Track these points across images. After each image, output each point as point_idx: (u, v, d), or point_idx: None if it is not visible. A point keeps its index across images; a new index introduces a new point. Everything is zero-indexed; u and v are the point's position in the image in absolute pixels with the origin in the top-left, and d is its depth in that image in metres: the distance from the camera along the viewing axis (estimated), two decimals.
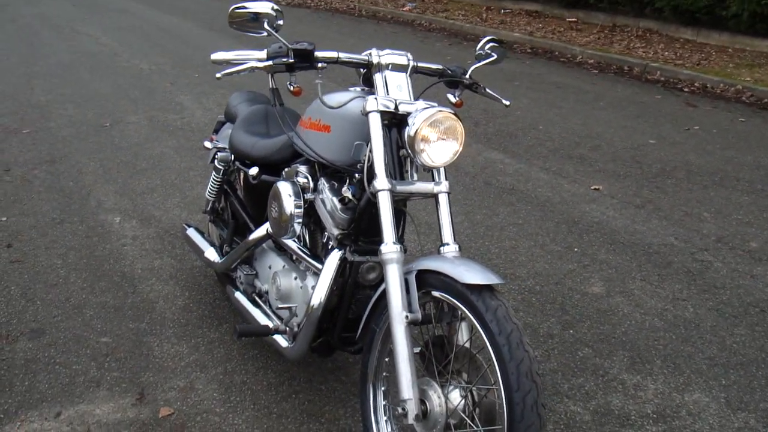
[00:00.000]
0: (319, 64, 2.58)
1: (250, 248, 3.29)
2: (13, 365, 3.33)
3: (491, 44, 2.97)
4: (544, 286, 4.10)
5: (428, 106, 2.49)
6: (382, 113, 2.48)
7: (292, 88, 2.54)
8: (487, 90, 2.91)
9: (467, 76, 2.88)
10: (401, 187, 2.49)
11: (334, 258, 2.70)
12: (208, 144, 3.85)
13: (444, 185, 2.58)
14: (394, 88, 2.59)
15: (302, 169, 2.93)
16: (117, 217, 4.98)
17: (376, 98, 2.48)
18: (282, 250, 3.18)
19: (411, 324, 2.32)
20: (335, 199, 2.69)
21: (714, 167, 6.21)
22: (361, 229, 2.66)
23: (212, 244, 3.72)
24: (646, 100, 8.60)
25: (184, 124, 7.21)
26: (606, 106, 8.23)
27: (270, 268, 3.17)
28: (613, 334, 3.67)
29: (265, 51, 2.55)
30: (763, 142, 7.04)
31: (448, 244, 2.52)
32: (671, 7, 11.57)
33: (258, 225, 3.37)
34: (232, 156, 3.52)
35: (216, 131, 3.97)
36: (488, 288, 2.24)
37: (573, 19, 13.64)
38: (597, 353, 3.51)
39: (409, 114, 2.48)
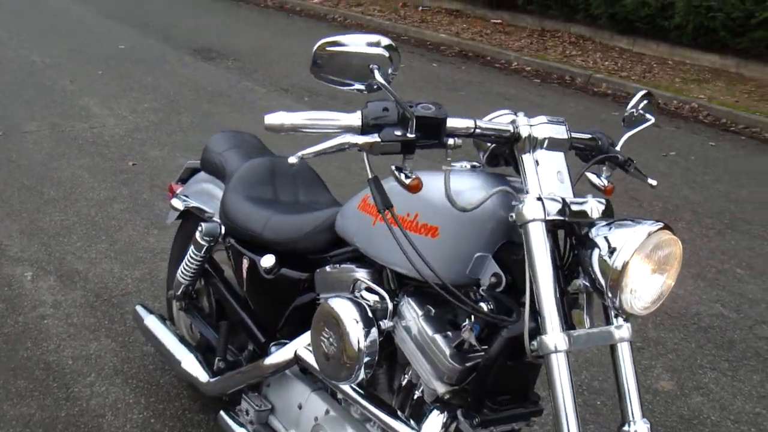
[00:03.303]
0: (450, 141, 1.63)
1: (266, 376, 2.29)
2: None
3: (646, 101, 2.07)
4: (603, 382, 3.24)
5: (621, 217, 1.62)
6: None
7: (408, 181, 1.57)
8: (637, 167, 2.02)
9: (618, 149, 1.97)
10: (579, 339, 1.58)
11: (434, 425, 1.76)
12: (177, 203, 2.78)
13: (626, 329, 1.68)
14: (552, 177, 1.67)
15: (362, 275, 1.98)
16: (28, 271, 3.84)
17: (541, 199, 1.57)
18: (313, 377, 2.20)
19: None
20: (441, 340, 1.75)
21: (717, 206, 5.50)
22: (487, 388, 1.73)
23: (188, 346, 2.66)
24: (605, 118, 7.89)
25: (95, 136, 6.01)
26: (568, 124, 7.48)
27: (300, 408, 2.18)
28: None
29: (359, 114, 1.58)
30: (747, 172, 6.44)
31: (632, 422, 1.63)
32: (609, 14, 10.97)
33: (266, 330, 2.39)
34: (223, 228, 2.50)
35: (182, 180, 2.93)
36: None
37: (498, 21, 12.90)
38: None
39: (586, 225, 1.61)
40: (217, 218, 2.55)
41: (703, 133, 7.72)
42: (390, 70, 1.58)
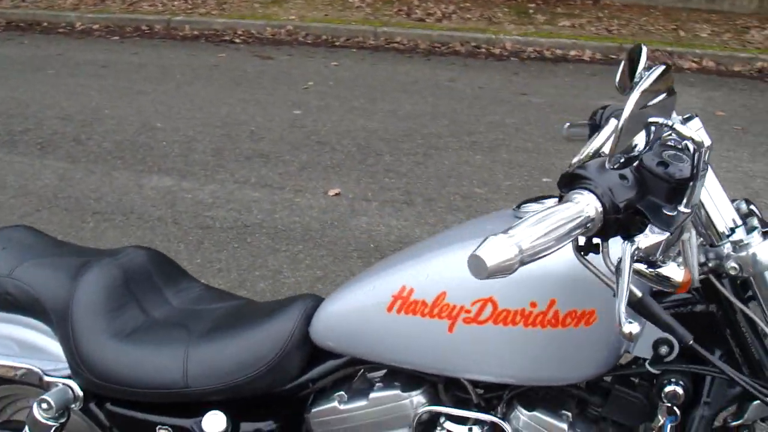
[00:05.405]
0: None
1: None
2: None
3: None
4: None
5: None
6: None
7: (678, 277, 1.13)
8: None
9: None
10: None
11: None
12: None
13: None
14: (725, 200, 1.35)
15: (421, 399, 1.51)
16: None
17: None
18: None
19: None
20: None
21: (403, 129, 5.50)
22: None
23: None
24: (249, 70, 7.16)
25: None
26: (215, 81, 6.88)
27: None
28: None
29: (592, 197, 1.07)
30: (389, 87, 6.53)
31: None
32: None
33: None
34: (77, 390, 1.72)
35: None
36: None
37: None
38: None
39: None
40: (54, 378, 1.73)
41: (318, 55, 7.69)
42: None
